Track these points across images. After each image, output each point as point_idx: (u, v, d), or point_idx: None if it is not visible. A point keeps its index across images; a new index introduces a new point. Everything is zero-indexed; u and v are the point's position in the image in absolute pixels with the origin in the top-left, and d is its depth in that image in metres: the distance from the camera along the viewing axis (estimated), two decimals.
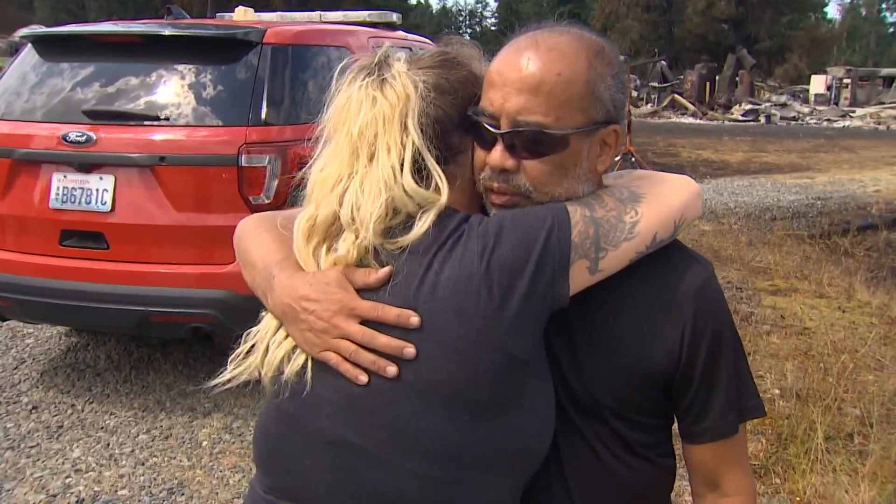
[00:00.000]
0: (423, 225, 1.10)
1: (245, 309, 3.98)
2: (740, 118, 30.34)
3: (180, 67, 3.80)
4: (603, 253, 1.11)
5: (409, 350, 1.06)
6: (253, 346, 1.20)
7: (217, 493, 3.21)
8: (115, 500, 3.14)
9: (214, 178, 3.66)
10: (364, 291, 1.11)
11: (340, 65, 1.18)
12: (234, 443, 3.62)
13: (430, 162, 1.12)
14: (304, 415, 1.13)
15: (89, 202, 3.65)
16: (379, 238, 1.10)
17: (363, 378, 1.08)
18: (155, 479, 3.30)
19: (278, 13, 6.09)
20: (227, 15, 5.96)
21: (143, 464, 3.41)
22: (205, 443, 3.61)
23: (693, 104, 32.46)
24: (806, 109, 32.61)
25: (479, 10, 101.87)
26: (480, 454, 1.09)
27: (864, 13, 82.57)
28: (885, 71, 39.74)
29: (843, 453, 3.48)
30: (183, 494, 3.20)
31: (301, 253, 1.17)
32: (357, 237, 1.10)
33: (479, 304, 1.05)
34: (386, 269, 1.10)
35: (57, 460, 3.42)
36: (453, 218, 1.12)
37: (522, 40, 1.15)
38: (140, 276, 3.65)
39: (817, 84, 36.71)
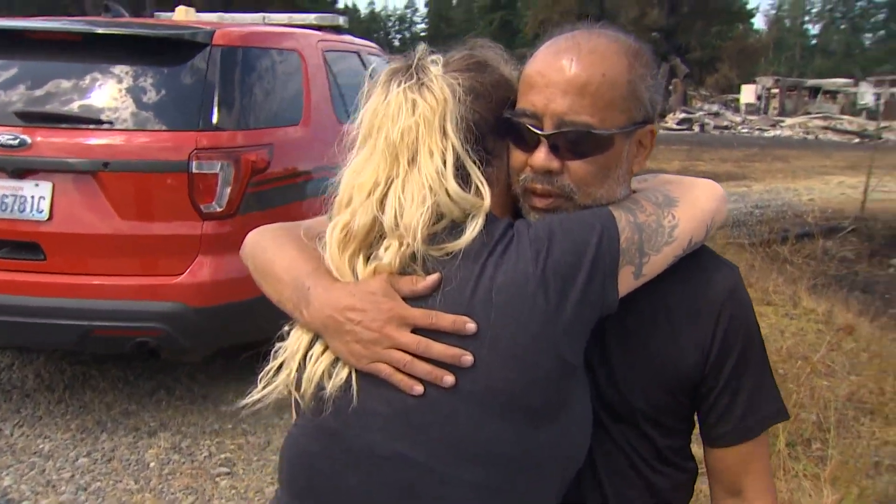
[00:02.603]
0: (474, 230, 1.07)
1: (196, 322, 3.83)
2: (675, 127, 30.98)
3: (124, 68, 3.61)
4: (646, 258, 1.11)
5: (467, 358, 1.03)
6: (282, 363, 1.15)
7: None
8: None
9: (163, 185, 3.49)
10: (411, 300, 1.06)
11: (371, 67, 1.12)
12: (184, 463, 3.44)
13: (471, 166, 1.10)
14: (350, 430, 1.08)
15: (23, 210, 3.43)
16: (424, 245, 1.06)
17: (419, 389, 1.04)
18: None
19: (218, 14, 5.86)
20: (165, 14, 5.73)
21: (85, 489, 3.21)
22: (152, 464, 3.42)
23: None
24: (738, 118, 33.53)
25: (408, 16, 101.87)
26: (535, 461, 1.07)
27: (788, 24, 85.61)
28: (810, 81, 41.24)
29: (803, 459, 3.51)
30: None
31: (336, 262, 1.12)
32: (401, 244, 1.06)
33: (536, 309, 1.03)
34: (434, 277, 1.06)
35: None
36: (498, 223, 1.10)
37: (562, 42, 1.15)
38: (81, 288, 3.45)
39: (747, 93, 37.85)
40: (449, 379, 1.03)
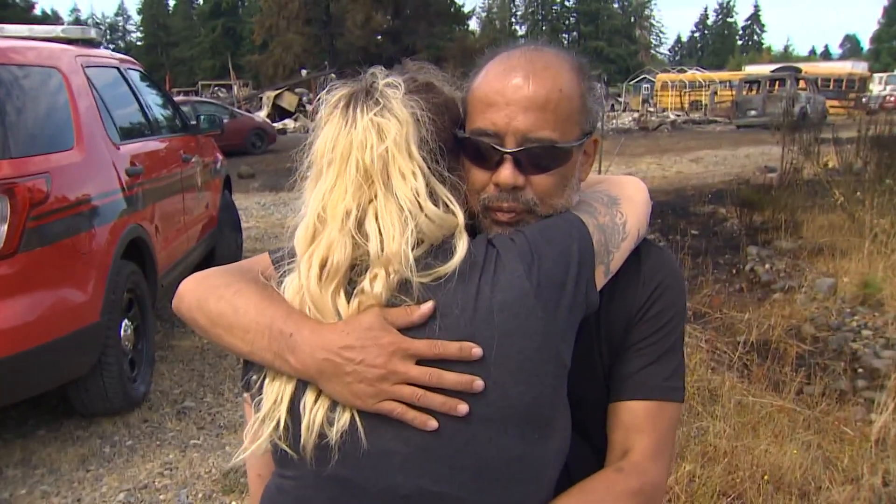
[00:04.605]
0: (461, 251, 1.06)
1: None
2: None
3: None
4: (611, 256, 1.16)
5: (479, 383, 1.02)
6: (264, 416, 1.09)
7: None
8: None
9: None
10: (406, 331, 1.03)
11: (323, 92, 1.11)
12: None
13: (438, 187, 1.09)
14: (365, 475, 1.04)
15: None
16: (411, 272, 1.03)
17: (433, 424, 1.02)
18: None
19: None
20: None
21: None
22: None
23: None
24: None
25: (120, 24, 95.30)
26: (546, 469, 1.09)
27: (498, 26, 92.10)
28: None
29: None
30: None
31: (316, 301, 1.06)
32: (388, 273, 1.03)
33: (537, 322, 1.04)
34: (428, 304, 1.03)
35: None
36: (478, 241, 1.10)
37: (513, 60, 1.17)
38: None
39: None
40: (463, 408, 1.01)
